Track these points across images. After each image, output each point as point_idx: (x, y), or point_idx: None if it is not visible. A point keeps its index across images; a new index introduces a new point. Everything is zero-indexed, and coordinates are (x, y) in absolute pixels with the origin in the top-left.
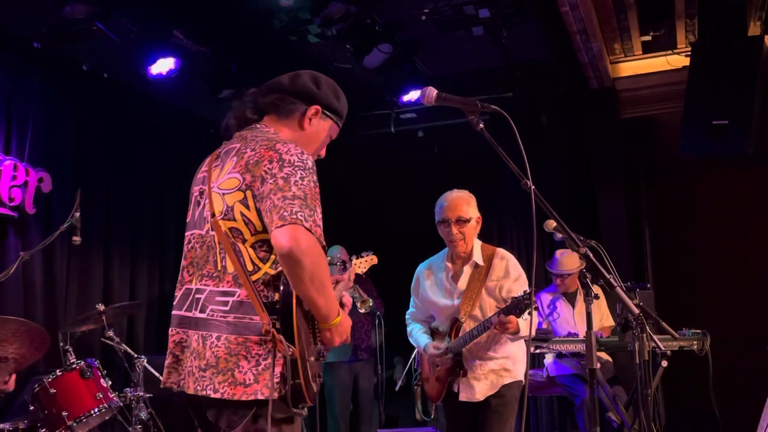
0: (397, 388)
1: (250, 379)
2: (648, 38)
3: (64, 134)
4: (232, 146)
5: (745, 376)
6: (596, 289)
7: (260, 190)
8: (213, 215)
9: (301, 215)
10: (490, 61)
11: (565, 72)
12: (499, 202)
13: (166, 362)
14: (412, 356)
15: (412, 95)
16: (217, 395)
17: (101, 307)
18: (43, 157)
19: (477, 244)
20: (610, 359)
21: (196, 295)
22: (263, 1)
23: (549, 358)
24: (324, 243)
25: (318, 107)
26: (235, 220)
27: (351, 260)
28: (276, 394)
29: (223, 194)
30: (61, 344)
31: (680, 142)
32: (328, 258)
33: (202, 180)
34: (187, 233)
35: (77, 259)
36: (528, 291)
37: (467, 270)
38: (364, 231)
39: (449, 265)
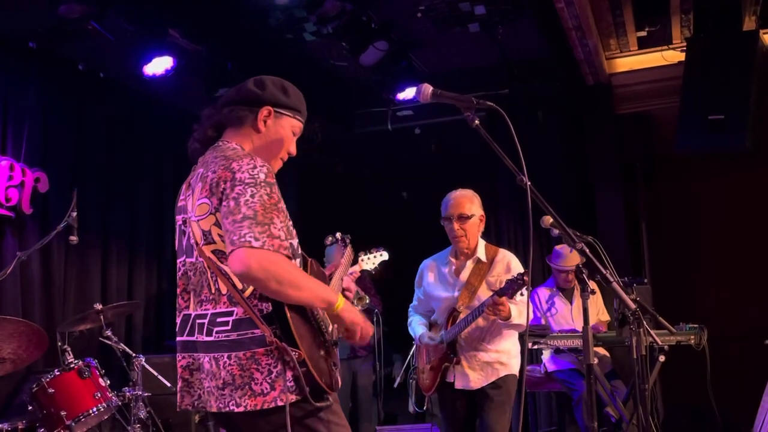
0: (395, 385)
1: (266, 389)
2: (643, 34)
3: (60, 134)
4: (198, 171)
5: (743, 370)
6: (592, 285)
7: (220, 212)
8: (197, 243)
9: (249, 236)
10: (487, 58)
11: (561, 68)
12: (496, 199)
13: (178, 386)
14: (411, 353)
15: (409, 92)
16: (241, 409)
17: (99, 306)
18: (40, 157)
19: (482, 242)
20: (607, 354)
21: (198, 321)
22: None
23: (546, 354)
24: (285, 252)
25: (269, 108)
26: (215, 242)
27: (358, 256)
28: (294, 396)
29: (199, 221)
30: (59, 344)
31: (677, 139)
32: (330, 238)
33: (182, 209)
34: (179, 260)
35: (75, 258)
36: (521, 273)
37: (470, 264)
38: (362, 228)
39: (452, 259)
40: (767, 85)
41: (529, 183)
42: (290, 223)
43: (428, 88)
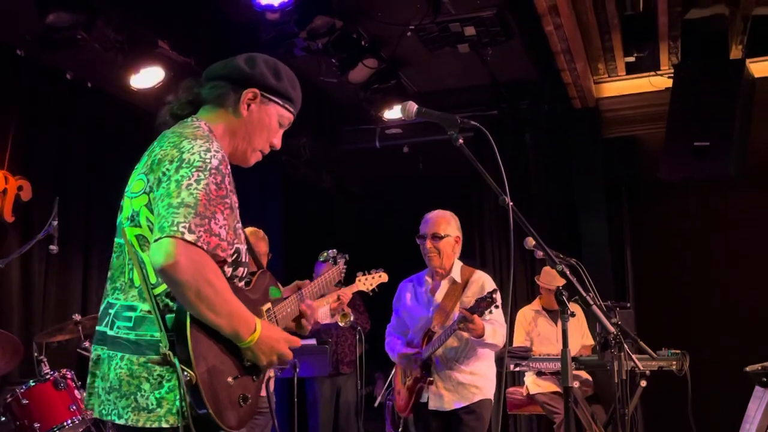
0: (376, 404)
1: (152, 404)
2: (632, 59)
3: (45, 143)
4: (152, 144)
5: (724, 397)
6: (576, 308)
7: (156, 193)
8: (122, 222)
9: (183, 226)
10: (476, 79)
11: (549, 91)
12: (482, 218)
13: (87, 382)
14: (392, 372)
15: (396, 111)
16: (122, 422)
17: (77, 317)
18: (24, 164)
19: (458, 263)
20: (589, 378)
21: (109, 310)
22: (250, 13)
23: (529, 376)
24: (223, 255)
25: (255, 90)
26: (140, 226)
27: (355, 276)
28: (184, 422)
29: (131, 198)
30: (35, 354)
31: (661, 165)
32: (324, 254)
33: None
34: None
35: (55, 268)
36: (491, 291)
37: (445, 285)
38: (349, 245)
39: (428, 279)
40: (752, 113)
41: (511, 203)
42: (239, 224)
43: (413, 106)
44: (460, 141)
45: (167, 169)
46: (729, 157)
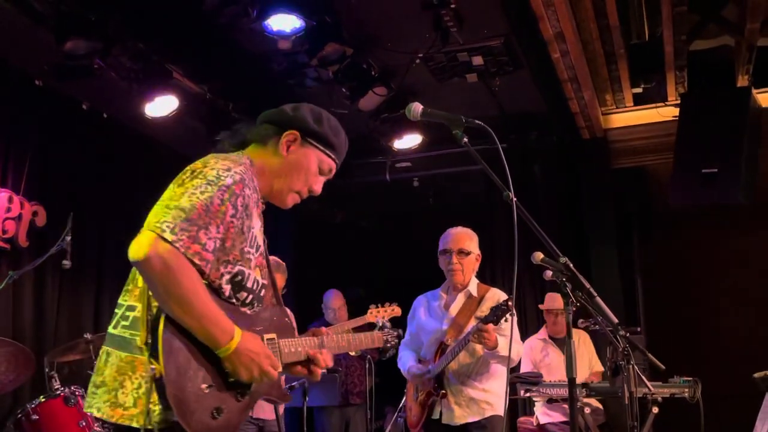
0: None
1: (129, 402)
2: (639, 90)
3: (61, 170)
4: None
5: (736, 424)
6: (582, 333)
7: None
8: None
9: (167, 225)
10: (484, 111)
11: (557, 121)
12: (492, 251)
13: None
14: (401, 404)
15: (407, 140)
16: (99, 414)
17: (89, 336)
18: (39, 191)
19: (474, 280)
20: (600, 406)
21: (116, 310)
22: (263, 43)
23: (539, 405)
24: (200, 262)
25: (295, 132)
26: None
27: (368, 308)
28: (151, 423)
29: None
30: (47, 370)
31: (671, 191)
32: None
33: None
34: None
35: (68, 287)
36: (506, 299)
37: (460, 298)
38: (359, 278)
39: (443, 294)
40: (759, 141)
41: (515, 199)
42: (255, 251)
43: (418, 107)
44: (465, 140)
45: (185, 178)
46: (737, 182)
